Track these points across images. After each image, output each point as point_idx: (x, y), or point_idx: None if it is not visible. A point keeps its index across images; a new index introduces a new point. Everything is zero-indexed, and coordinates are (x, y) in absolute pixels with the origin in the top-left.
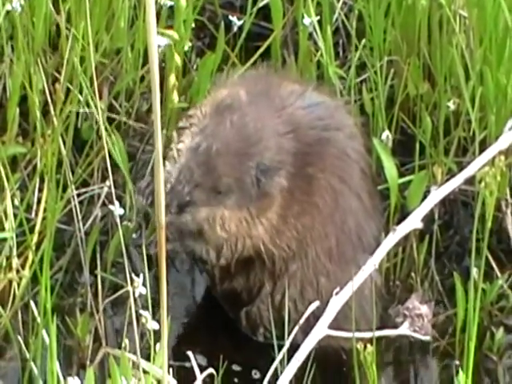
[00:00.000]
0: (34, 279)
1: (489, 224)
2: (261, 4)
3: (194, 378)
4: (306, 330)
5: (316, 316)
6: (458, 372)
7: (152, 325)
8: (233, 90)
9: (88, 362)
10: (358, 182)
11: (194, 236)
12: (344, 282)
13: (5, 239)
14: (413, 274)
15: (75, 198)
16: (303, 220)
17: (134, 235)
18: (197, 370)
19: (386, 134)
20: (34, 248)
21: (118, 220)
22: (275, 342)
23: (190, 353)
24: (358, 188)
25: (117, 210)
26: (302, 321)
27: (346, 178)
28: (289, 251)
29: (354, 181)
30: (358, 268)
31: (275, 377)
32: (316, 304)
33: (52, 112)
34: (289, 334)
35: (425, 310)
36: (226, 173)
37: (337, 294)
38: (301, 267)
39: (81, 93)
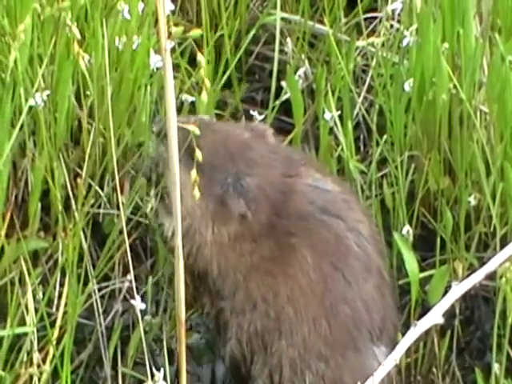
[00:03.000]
0: (55, 374)
1: (510, 320)
2: (282, 99)
3: None
4: None
5: None
6: None
7: None
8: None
9: None
10: (358, 274)
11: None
12: (346, 369)
13: (26, 334)
14: (434, 370)
15: (96, 292)
16: (273, 284)
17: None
18: None
19: (407, 229)
20: (54, 343)
21: (139, 315)
22: None
23: None
24: (356, 278)
25: (138, 304)
26: None
27: (339, 265)
28: (255, 310)
29: (350, 271)
30: (362, 357)
31: None
32: None
33: (73, 207)
34: None
35: None
36: (208, 151)
37: None
38: (289, 345)
39: (102, 188)
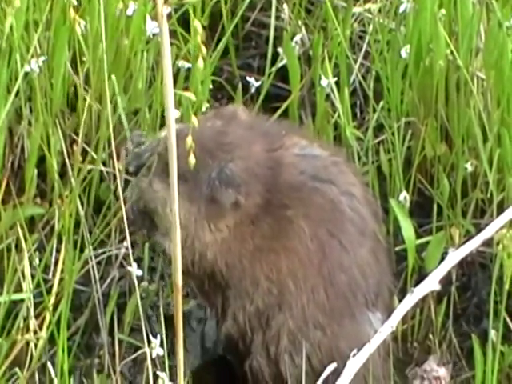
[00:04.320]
0: (52, 340)
1: (506, 286)
2: (279, 65)
3: None
4: None
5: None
6: None
7: None
8: (236, 107)
9: None
10: (354, 239)
11: (151, 218)
12: (342, 337)
13: (22, 300)
14: (430, 336)
15: (93, 258)
16: (276, 261)
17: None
18: None
19: (404, 195)
20: (51, 309)
21: (135, 281)
22: None
23: None
24: (352, 244)
25: (135, 271)
26: (319, 383)
27: (335, 232)
28: (258, 290)
29: (346, 236)
30: (357, 324)
31: None
32: (333, 366)
33: (70, 173)
34: None
35: (442, 372)
36: (185, 157)
37: (354, 355)
38: (289, 318)
39: (98, 154)
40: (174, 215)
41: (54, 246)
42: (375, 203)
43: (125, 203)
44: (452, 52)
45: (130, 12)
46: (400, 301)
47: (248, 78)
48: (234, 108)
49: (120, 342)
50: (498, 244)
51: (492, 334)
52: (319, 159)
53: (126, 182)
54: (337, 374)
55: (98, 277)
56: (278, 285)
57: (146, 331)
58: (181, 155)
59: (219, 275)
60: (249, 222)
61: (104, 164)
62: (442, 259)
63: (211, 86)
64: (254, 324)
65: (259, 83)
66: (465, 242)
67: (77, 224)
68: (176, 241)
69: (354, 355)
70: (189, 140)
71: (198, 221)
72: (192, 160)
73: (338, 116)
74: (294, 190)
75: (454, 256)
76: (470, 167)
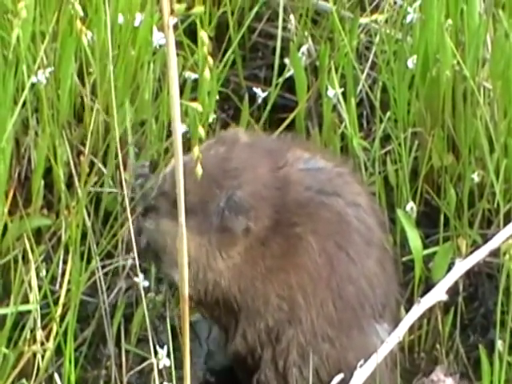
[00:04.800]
0: (59, 351)
1: None
2: (285, 76)
3: None
4: None
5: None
6: None
7: None
8: (236, 130)
9: None
10: (361, 250)
11: (161, 254)
12: (351, 349)
13: (29, 311)
14: (437, 346)
15: (100, 269)
16: (286, 278)
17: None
18: None
19: (411, 206)
20: (58, 320)
21: (142, 292)
22: None
23: None
24: (359, 255)
25: (141, 282)
26: None
27: (343, 244)
28: (268, 307)
29: (353, 248)
30: (365, 335)
31: None
32: (340, 376)
33: (76, 184)
34: None
35: (450, 382)
36: (192, 191)
37: (361, 366)
38: (299, 332)
39: (105, 165)
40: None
41: (61, 257)
42: (381, 212)
43: (132, 214)
44: (458, 62)
45: (136, 23)
46: (407, 311)
47: (255, 89)
48: (235, 131)
49: (127, 352)
50: (504, 254)
51: (499, 344)
52: (323, 172)
53: (133, 193)
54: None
55: (104, 288)
56: (288, 301)
57: (153, 342)
58: (188, 189)
59: (232, 301)
60: (259, 245)
61: (111, 177)
62: (449, 269)
63: (218, 97)
64: (263, 340)
65: (266, 94)
66: (472, 252)
67: (84, 235)
68: (182, 251)
69: (361, 366)
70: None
71: (209, 252)
72: (199, 170)
73: (345, 127)
74: (302, 207)
75: (461, 266)
76: (476, 178)
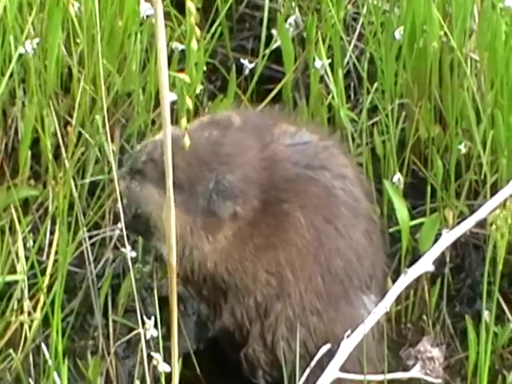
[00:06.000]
0: (46, 322)
1: (500, 267)
2: (273, 47)
3: None
4: (311, 372)
5: (311, 357)
6: None
7: (163, 367)
8: (230, 113)
9: None
10: (348, 222)
11: (146, 223)
12: (338, 321)
13: (16, 282)
14: (424, 317)
15: (87, 240)
16: (275, 255)
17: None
18: None
19: (398, 177)
20: (45, 290)
21: (129, 263)
22: None
23: None
24: (347, 228)
25: (129, 252)
26: (313, 363)
27: (331, 218)
28: (256, 284)
29: (341, 221)
30: (352, 307)
31: None
32: (327, 346)
33: (64, 155)
34: (289, 376)
35: (436, 352)
36: (181, 167)
37: (348, 336)
38: (288, 306)
39: (92, 135)
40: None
41: (48, 228)
42: (368, 183)
43: (119, 185)
44: (446, 33)
45: None
46: (394, 282)
47: (242, 60)
48: (229, 115)
49: (114, 323)
50: (491, 225)
51: (485, 314)
52: (310, 146)
53: (120, 164)
54: (331, 356)
55: (92, 258)
56: (277, 276)
57: (141, 312)
58: (177, 164)
59: (220, 281)
60: (248, 227)
61: (99, 148)
62: (436, 240)
63: (205, 68)
64: (252, 316)
65: (253, 65)
66: (458, 223)
67: (71, 206)
68: (170, 220)
69: (348, 336)
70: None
71: (194, 231)
72: (187, 141)
73: (332, 98)
74: (289, 183)
75: (448, 237)
76: (463, 149)
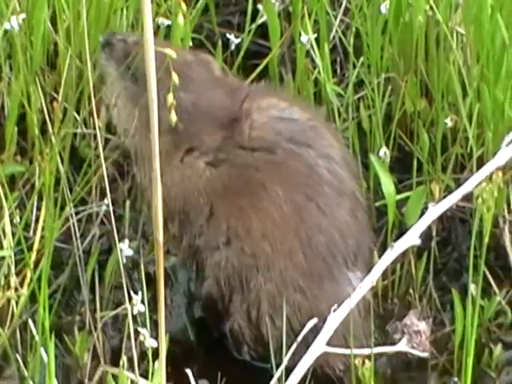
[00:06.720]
0: (33, 298)
1: (486, 240)
2: (258, 22)
3: None
4: (296, 349)
5: (296, 334)
6: None
7: (150, 343)
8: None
9: (87, 381)
10: (332, 201)
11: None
12: (323, 299)
13: (3, 257)
14: (411, 291)
15: (73, 216)
16: (244, 219)
17: (131, 253)
18: None
19: (384, 151)
20: (32, 266)
21: (116, 238)
22: (262, 362)
23: (188, 371)
24: (330, 207)
25: (115, 228)
26: (299, 338)
27: (313, 195)
28: (219, 238)
29: (323, 199)
30: (337, 284)
31: None
32: (313, 321)
33: (50, 131)
34: (274, 352)
35: (423, 326)
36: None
37: (334, 311)
38: (267, 280)
39: (78, 111)
40: (155, 170)
41: (35, 204)
42: (355, 164)
43: (105, 161)
44: (431, 7)
45: None
46: (380, 256)
47: (228, 35)
48: (211, 58)
49: (101, 299)
50: (477, 198)
51: (472, 288)
52: (297, 123)
53: (107, 141)
54: (316, 332)
55: (78, 234)
56: (250, 245)
57: (127, 288)
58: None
59: (177, 206)
60: (205, 161)
61: (84, 121)
62: (422, 214)
63: (191, 44)
64: (232, 284)
65: (239, 40)
66: (445, 196)
67: (57, 181)
68: (157, 195)
69: (335, 310)
70: None
71: (141, 127)
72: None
73: (318, 72)
74: (268, 152)
75: (434, 211)
76: (449, 122)
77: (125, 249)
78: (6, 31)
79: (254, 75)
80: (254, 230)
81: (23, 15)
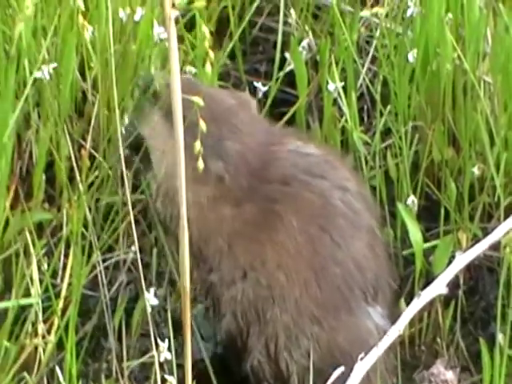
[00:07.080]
0: (60, 345)
1: None
2: (286, 70)
3: None
4: None
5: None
6: None
7: None
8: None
9: None
10: (346, 233)
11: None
12: (340, 330)
13: (31, 305)
14: (438, 340)
15: (101, 263)
16: (260, 251)
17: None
18: None
19: (411, 200)
20: (59, 314)
21: (143, 286)
22: None
23: None
24: (344, 239)
25: (142, 276)
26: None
27: (327, 227)
28: (236, 273)
29: (338, 231)
30: (355, 318)
31: None
32: (340, 370)
33: (78, 178)
34: None
35: (450, 375)
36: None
37: (362, 359)
38: (284, 311)
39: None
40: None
41: (62, 251)
42: (371, 198)
43: (133, 208)
44: (459, 56)
45: (137, 17)
46: (407, 304)
47: (255, 83)
48: (250, 98)
49: (128, 347)
50: (505, 248)
51: (500, 337)
52: (313, 156)
53: (134, 187)
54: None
55: (105, 282)
56: (266, 277)
57: (154, 336)
58: (188, 107)
59: (194, 245)
60: (231, 204)
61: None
62: (450, 263)
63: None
64: (249, 317)
65: (266, 88)
66: (472, 245)
67: (85, 229)
68: (184, 244)
69: (362, 359)
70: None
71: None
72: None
73: (346, 120)
74: (284, 184)
75: (462, 259)
76: (477, 171)
77: (150, 298)
78: (35, 79)
79: (281, 123)
80: (269, 261)
81: (54, 64)
